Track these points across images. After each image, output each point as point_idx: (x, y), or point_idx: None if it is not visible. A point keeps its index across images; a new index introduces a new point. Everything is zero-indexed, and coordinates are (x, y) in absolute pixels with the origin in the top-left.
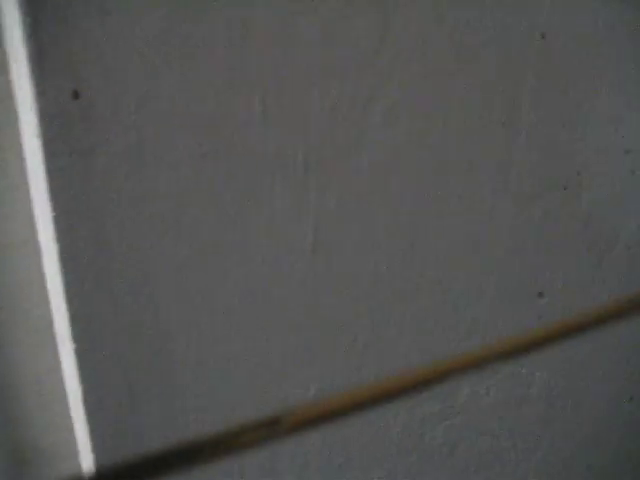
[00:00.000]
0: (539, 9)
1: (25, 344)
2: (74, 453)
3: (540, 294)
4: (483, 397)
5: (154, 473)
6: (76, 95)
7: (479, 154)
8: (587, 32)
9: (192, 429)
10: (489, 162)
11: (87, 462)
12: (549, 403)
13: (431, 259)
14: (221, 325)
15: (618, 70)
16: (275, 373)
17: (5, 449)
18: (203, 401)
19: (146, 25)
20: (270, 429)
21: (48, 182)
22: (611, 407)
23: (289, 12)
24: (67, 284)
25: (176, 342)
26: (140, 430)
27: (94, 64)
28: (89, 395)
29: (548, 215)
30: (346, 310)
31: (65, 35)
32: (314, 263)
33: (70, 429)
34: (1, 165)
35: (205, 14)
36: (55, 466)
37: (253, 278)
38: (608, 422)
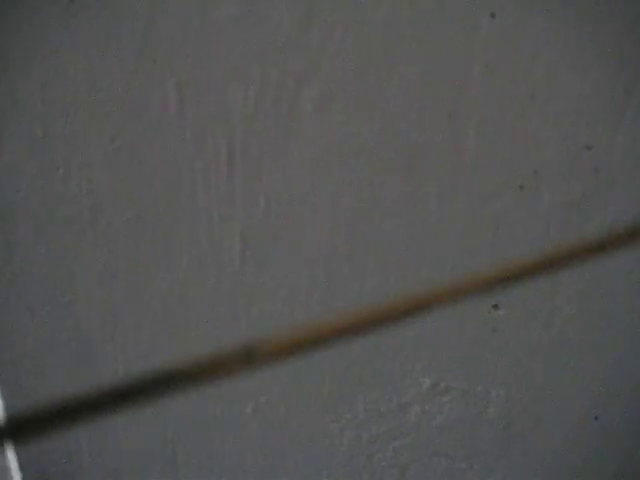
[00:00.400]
0: None
1: None
2: None
3: (495, 306)
4: (435, 416)
5: (121, 402)
6: None
7: (422, 149)
8: (542, 10)
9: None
10: (434, 159)
11: None
12: (507, 422)
13: (372, 267)
14: (145, 337)
15: (578, 55)
16: None
17: None
18: None
19: (49, 9)
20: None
21: None
22: (574, 427)
23: None
24: None
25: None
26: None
27: None
28: None
29: (503, 218)
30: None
31: None
32: (243, 274)
33: None
34: None
35: None
36: None
37: (177, 287)
38: (571, 442)
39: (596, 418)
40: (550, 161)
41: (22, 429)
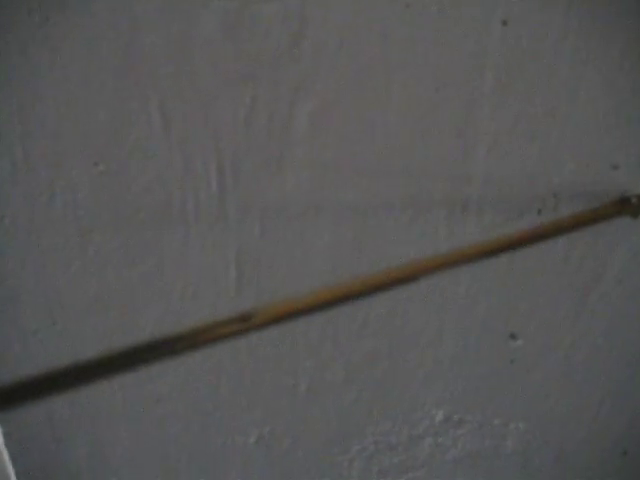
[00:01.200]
0: None
1: None
2: None
3: (512, 336)
4: (449, 449)
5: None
6: None
7: (429, 172)
8: (558, 19)
9: None
10: (440, 181)
11: None
12: (527, 457)
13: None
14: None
15: (601, 65)
16: None
17: None
18: None
19: (23, 28)
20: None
21: None
22: (600, 462)
23: (184, 3)
24: None
25: None
26: None
27: None
28: None
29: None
30: (280, 353)
31: None
32: (240, 302)
33: None
34: None
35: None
36: None
37: (171, 316)
38: (597, 479)
39: (625, 453)
40: (571, 182)
41: (7, 396)
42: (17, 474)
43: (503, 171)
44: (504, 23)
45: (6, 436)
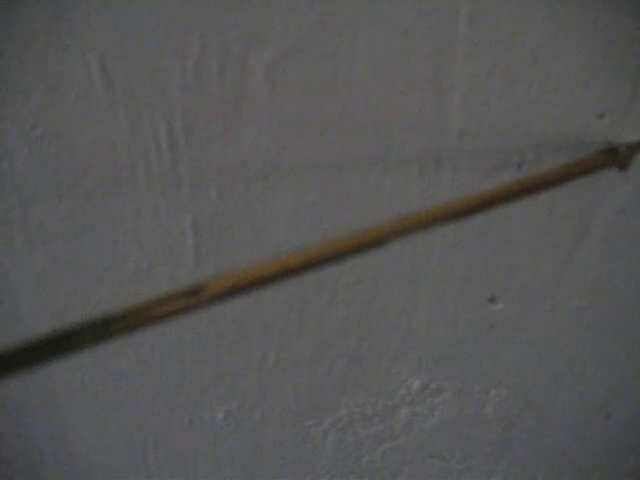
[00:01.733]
0: None
1: None
2: None
3: (491, 299)
4: (427, 418)
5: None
6: None
7: (398, 125)
8: None
9: None
10: (412, 134)
11: None
12: (507, 423)
13: (343, 266)
14: None
15: (587, 3)
16: None
17: None
18: None
19: None
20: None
21: None
22: (583, 426)
23: None
24: None
25: None
26: None
27: None
28: None
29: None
30: (246, 325)
31: None
32: (199, 273)
33: None
34: None
35: None
36: None
37: (126, 288)
38: (579, 442)
39: (609, 415)
40: (554, 133)
41: None
42: None
43: (480, 122)
44: None
45: None
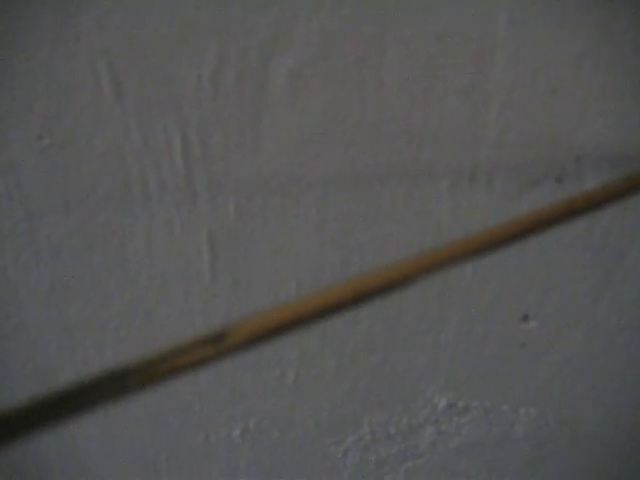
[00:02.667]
0: None
1: None
2: None
3: (525, 317)
4: (453, 437)
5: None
6: None
7: (430, 136)
8: None
9: None
10: (446, 145)
11: None
12: (538, 443)
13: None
14: (108, 360)
15: (636, 7)
16: None
17: None
18: None
19: None
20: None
21: None
22: (617, 447)
23: None
24: None
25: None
26: None
27: None
28: None
29: None
30: None
31: None
32: (215, 289)
33: None
34: None
35: None
36: None
37: (139, 305)
38: (614, 464)
39: None
40: (597, 145)
41: None
42: None
43: (518, 133)
44: None
45: None
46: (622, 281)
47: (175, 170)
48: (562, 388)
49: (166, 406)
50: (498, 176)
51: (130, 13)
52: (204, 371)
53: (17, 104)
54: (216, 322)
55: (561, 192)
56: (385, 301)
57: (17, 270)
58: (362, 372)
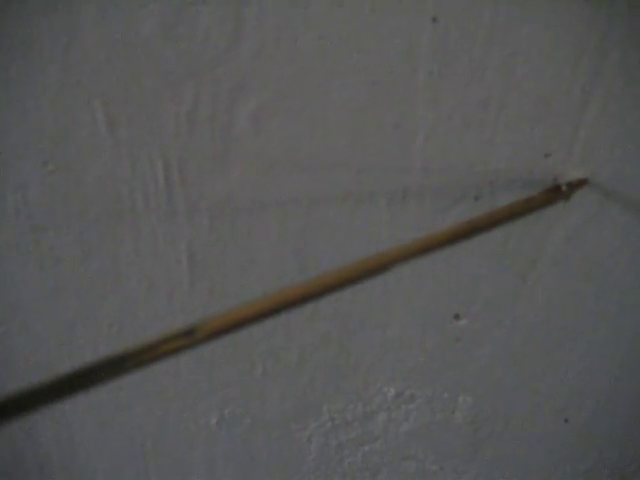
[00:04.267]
0: None
1: None
2: None
3: (457, 315)
4: (402, 423)
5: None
6: None
7: (369, 164)
8: (487, 14)
9: None
10: (382, 172)
11: None
12: (475, 427)
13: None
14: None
15: (531, 56)
16: None
17: None
18: None
19: None
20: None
21: None
22: (544, 429)
23: (123, 4)
24: None
25: None
26: None
27: None
28: None
29: None
30: (236, 340)
31: None
32: (193, 289)
33: None
34: None
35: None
36: None
37: (128, 306)
38: (541, 444)
39: (566, 420)
40: (506, 170)
41: None
42: None
43: (440, 160)
44: (434, 20)
45: None
46: (535, 283)
47: (158, 191)
48: (493, 378)
49: (152, 398)
50: (426, 196)
51: (123, 63)
52: (184, 365)
53: (27, 136)
54: (194, 320)
55: (478, 209)
56: (338, 302)
57: (23, 276)
58: (320, 365)
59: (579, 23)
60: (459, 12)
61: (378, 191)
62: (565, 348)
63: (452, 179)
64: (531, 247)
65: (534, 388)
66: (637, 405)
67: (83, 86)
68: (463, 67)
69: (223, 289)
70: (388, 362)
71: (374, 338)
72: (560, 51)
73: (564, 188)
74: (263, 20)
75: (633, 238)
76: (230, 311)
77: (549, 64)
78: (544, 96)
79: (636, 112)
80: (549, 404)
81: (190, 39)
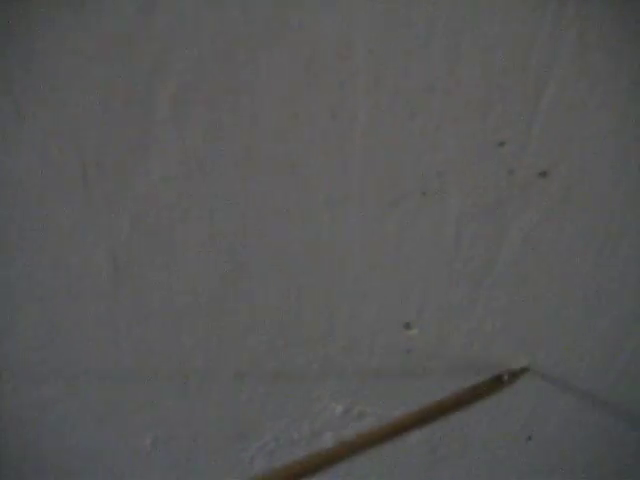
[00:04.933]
0: None
1: None
2: None
3: (407, 325)
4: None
5: None
6: None
7: (303, 158)
8: None
9: None
10: (317, 163)
11: None
12: (431, 447)
13: (255, 283)
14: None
15: (479, 39)
16: None
17: None
18: None
19: None
20: None
21: None
22: (505, 448)
23: None
24: None
25: None
26: None
27: None
28: None
29: (402, 232)
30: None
31: None
32: (118, 297)
33: None
34: None
35: None
36: None
37: (53, 313)
38: (503, 465)
39: (529, 438)
40: (456, 161)
41: None
42: None
43: (383, 152)
44: None
45: None
46: (491, 287)
47: (74, 189)
48: (448, 393)
49: (81, 415)
50: (368, 194)
51: (28, 42)
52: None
53: None
54: (120, 325)
55: (425, 203)
56: (278, 312)
57: None
58: (258, 382)
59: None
60: None
61: (315, 187)
62: (526, 360)
63: (396, 172)
64: (487, 248)
65: (493, 404)
66: (605, 422)
67: None
68: (406, 48)
69: (148, 293)
70: (333, 377)
71: (316, 351)
72: (512, 32)
73: (505, 378)
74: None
75: (595, 236)
76: None
77: (500, 47)
78: (496, 82)
79: (594, 99)
80: (510, 420)
81: (99, 16)
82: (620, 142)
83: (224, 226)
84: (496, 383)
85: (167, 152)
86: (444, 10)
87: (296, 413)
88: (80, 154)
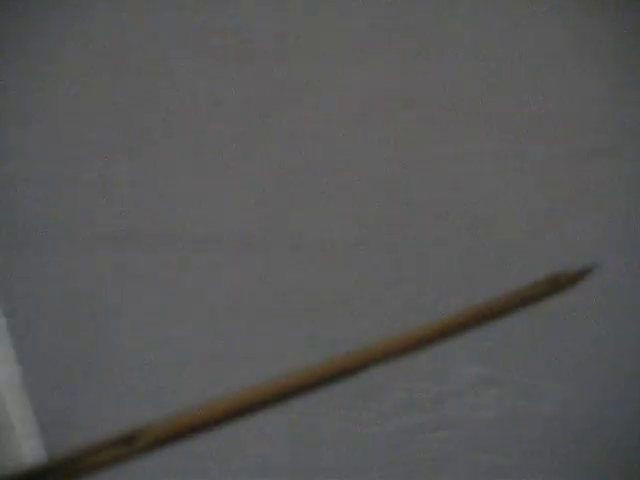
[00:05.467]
0: None
1: None
2: None
3: None
4: (480, 409)
5: None
6: None
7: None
8: None
9: None
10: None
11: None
12: (564, 420)
13: None
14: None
15: None
16: None
17: None
18: None
19: None
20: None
21: None
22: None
23: None
24: None
25: None
26: None
27: None
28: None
29: None
30: None
31: None
32: None
33: None
34: None
35: None
36: None
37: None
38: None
39: None
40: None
41: None
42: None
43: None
44: None
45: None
46: None
47: None
48: (591, 367)
49: None
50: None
51: None
52: None
53: None
54: None
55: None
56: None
57: None
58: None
59: None
60: None
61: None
62: None
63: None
64: None
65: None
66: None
67: None
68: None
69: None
70: (469, 338)
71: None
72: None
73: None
74: None
75: None
76: (176, 416)
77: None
78: None
79: None
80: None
81: None
82: None
83: None
84: (553, 285)
85: None
86: None
87: (424, 375)
88: None
